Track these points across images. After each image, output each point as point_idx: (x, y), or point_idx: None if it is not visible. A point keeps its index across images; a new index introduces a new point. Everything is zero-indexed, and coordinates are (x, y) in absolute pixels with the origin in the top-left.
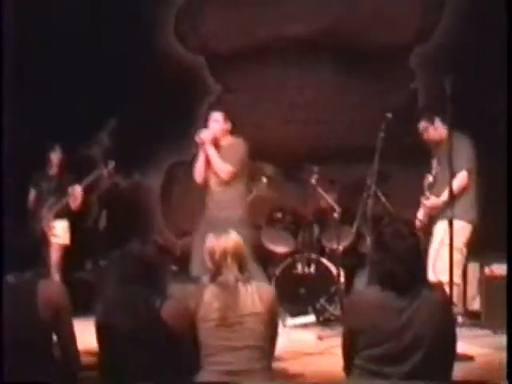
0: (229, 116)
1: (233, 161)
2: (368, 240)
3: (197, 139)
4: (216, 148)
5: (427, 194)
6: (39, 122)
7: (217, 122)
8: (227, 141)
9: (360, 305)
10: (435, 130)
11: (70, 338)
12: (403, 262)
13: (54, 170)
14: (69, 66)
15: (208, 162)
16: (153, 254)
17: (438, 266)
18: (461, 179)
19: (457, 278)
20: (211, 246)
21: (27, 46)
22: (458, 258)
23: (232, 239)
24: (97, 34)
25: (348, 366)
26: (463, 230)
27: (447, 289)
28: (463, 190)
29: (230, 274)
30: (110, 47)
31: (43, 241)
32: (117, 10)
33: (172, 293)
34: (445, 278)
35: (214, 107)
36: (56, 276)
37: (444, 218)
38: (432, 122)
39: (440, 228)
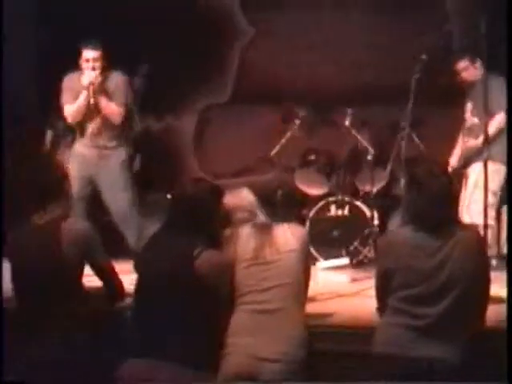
0: (105, 53)
1: (121, 101)
2: (402, 182)
3: (84, 84)
4: (100, 88)
5: (465, 136)
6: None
7: (96, 61)
8: (111, 79)
9: (393, 245)
10: (475, 69)
11: (107, 265)
12: (435, 202)
13: None
14: (96, 14)
15: (89, 105)
16: (206, 193)
17: (472, 209)
18: (499, 120)
19: (491, 221)
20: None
21: None
22: (493, 200)
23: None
24: None
25: (381, 306)
26: (498, 172)
27: (481, 231)
28: (500, 131)
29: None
30: None
31: (63, 176)
32: None
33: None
34: (479, 220)
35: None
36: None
37: (479, 160)
38: (474, 61)
39: (474, 170)
